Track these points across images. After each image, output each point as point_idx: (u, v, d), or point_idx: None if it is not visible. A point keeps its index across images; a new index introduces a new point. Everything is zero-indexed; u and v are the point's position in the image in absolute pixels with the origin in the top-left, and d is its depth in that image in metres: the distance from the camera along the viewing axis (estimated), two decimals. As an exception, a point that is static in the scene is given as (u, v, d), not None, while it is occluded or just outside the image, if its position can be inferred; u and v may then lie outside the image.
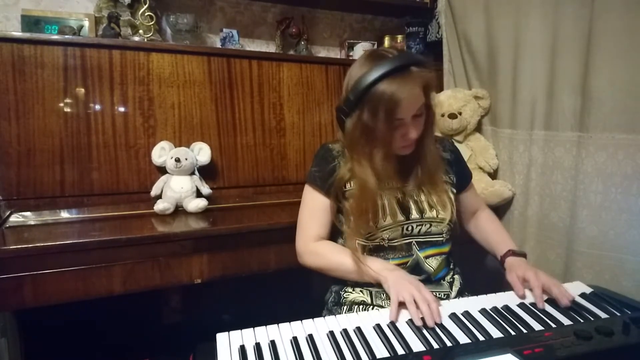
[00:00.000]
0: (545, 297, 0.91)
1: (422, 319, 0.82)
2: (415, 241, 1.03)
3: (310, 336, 0.78)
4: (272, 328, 0.81)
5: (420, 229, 1.03)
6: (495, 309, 0.88)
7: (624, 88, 1.15)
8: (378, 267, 0.96)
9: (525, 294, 0.94)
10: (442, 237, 1.05)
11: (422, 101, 0.95)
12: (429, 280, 1.02)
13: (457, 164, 1.14)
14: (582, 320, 0.83)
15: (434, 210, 1.03)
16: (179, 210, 1.34)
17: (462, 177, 1.14)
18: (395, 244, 1.02)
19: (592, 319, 0.84)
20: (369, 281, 0.99)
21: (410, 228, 1.02)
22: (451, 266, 1.10)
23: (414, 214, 1.02)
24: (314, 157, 1.10)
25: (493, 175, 1.60)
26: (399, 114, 0.92)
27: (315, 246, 1.04)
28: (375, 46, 1.98)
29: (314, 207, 1.06)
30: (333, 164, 1.04)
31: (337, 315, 0.86)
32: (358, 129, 0.95)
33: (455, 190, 1.10)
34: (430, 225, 1.03)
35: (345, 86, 0.99)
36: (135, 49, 1.40)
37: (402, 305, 0.86)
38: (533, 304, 0.90)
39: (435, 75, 0.98)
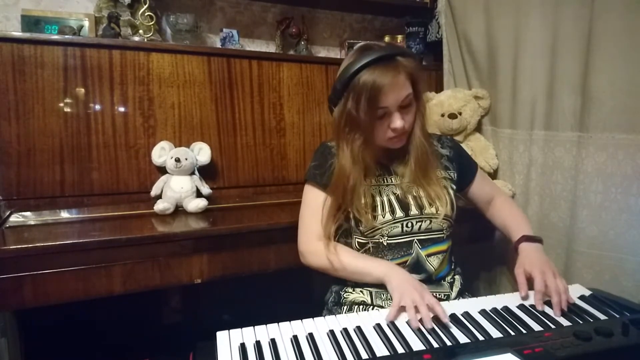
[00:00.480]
0: (546, 298, 0.91)
1: (420, 321, 0.82)
2: (417, 239, 1.03)
3: (311, 335, 0.79)
4: (273, 327, 0.81)
5: (420, 226, 1.03)
6: (495, 310, 0.88)
7: (624, 88, 1.15)
8: (383, 268, 0.96)
9: (528, 295, 0.93)
10: (443, 233, 1.05)
11: (408, 91, 0.96)
12: (430, 280, 1.02)
13: (458, 159, 1.14)
14: (581, 322, 0.83)
15: (434, 207, 1.03)
16: (179, 210, 1.34)
17: (465, 171, 1.15)
18: (396, 241, 1.02)
19: (592, 320, 0.84)
20: (373, 282, 0.98)
21: (410, 225, 1.02)
22: (452, 266, 1.10)
23: (413, 210, 1.02)
24: (313, 155, 1.11)
25: (493, 175, 1.60)
26: (382, 102, 0.93)
27: (318, 246, 1.04)
28: (375, 46, 1.98)
29: (315, 205, 1.06)
30: (331, 161, 1.04)
31: (337, 315, 0.86)
32: (343, 117, 0.97)
33: (455, 187, 1.10)
34: (430, 222, 1.03)
35: (337, 77, 1.01)
36: (135, 49, 1.40)
37: (402, 308, 0.86)
38: (533, 306, 0.90)
39: (422, 67, 1.00)
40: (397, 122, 0.95)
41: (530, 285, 0.94)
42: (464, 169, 1.14)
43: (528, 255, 1.00)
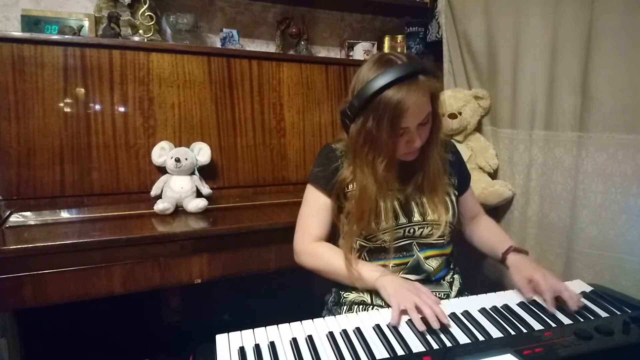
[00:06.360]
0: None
1: (425, 321, 0.81)
2: (417, 242, 1.03)
3: (310, 337, 0.78)
4: (272, 329, 0.81)
5: (422, 232, 1.02)
6: (495, 308, 0.88)
7: (624, 88, 1.15)
8: (374, 275, 0.96)
9: (533, 297, 0.91)
10: (444, 239, 1.05)
11: (429, 110, 0.93)
12: (429, 279, 1.02)
13: (458, 165, 1.14)
14: (582, 320, 0.83)
15: (436, 213, 1.02)
16: (179, 210, 1.34)
17: (463, 179, 1.14)
18: (397, 245, 1.02)
19: (592, 317, 0.84)
20: (364, 288, 0.98)
21: (412, 230, 1.02)
22: (451, 266, 1.10)
23: (416, 217, 1.02)
24: (316, 157, 1.10)
25: (493, 175, 1.60)
26: (404, 123, 0.90)
27: (314, 247, 1.04)
28: (375, 46, 1.98)
29: (316, 207, 1.06)
30: (336, 164, 1.03)
31: (336, 316, 0.86)
32: (362, 135, 0.93)
33: (457, 193, 1.10)
34: (432, 228, 1.03)
35: (352, 89, 0.96)
36: (135, 49, 1.40)
37: (403, 312, 0.85)
38: (532, 303, 0.90)
39: (439, 82, 0.97)
40: (417, 142, 0.94)
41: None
42: (462, 178, 1.14)
43: (522, 263, 0.99)
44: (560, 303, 0.88)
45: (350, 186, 1.01)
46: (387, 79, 0.87)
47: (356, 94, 0.92)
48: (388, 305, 0.92)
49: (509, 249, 1.03)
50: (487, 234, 1.15)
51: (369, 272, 0.97)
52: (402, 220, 1.01)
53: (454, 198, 1.07)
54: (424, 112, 0.92)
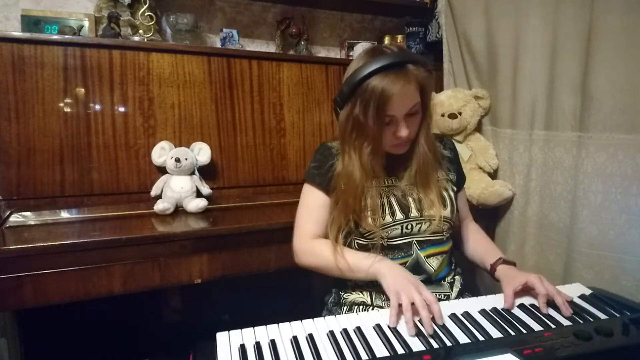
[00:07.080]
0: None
1: (420, 322, 0.81)
2: (416, 240, 1.03)
3: (311, 335, 0.78)
4: (272, 327, 0.81)
5: (419, 227, 1.02)
6: (495, 309, 0.88)
7: (624, 88, 1.15)
8: (366, 262, 0.95)
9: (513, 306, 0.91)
10: (442, 235, 1.04)
11: (416, 100, 0.94)
12: (430, 280, 1.02)
13: (456, 163, 1.14)
14: (581, 322, 0.83)
15: (434, 208, 1.02)
16: (179, 210, 1.34)
17: (459, 177, 1.15)
18: (395, 243, 1.01)
19: (592, 320, 0.84)
20: (366, 278, 0.97)
21: (409, 226, 1.02)
22: (452, 266, 1.09)
23: (414, 212, 1.02)
24: (313, 155, 1.10)
25: (493, 175, 1.60)
26: (390, 111, 0.91)
27: (311, 244, 1.03)
28: (375, 46, 1.98)
29: (312, 205, 1.05)
30: (332, 161, 1.04)
31: (337, 316, 0.86)
32: (350, 121, 0.95)
33: (455, 189, 1.10)
34: (430, 224, 1.02)
35: (344, 78, 0.99)
36: (135, 49, 1.41)
37: (401, 307, 0.85)
38: (532, 305, 0.90)
39: (433, 76, 0.97)
40: (403, 131, 0.94)
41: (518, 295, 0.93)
42: (459, 175, 1.14)
43: (513, 272, 0.99)
44: (553, 307, 0.88)
45: None
46: (374, 66, 0.90)
47: (345, 81, 0.95)
48: (388, 306, 0.92)
49: (497, 260, 1.04)
50: (476, 246, 1.15)
51: (360, 259, 0.96)
52: (399, 216, 1.01)
53: (452, 193, 1.07)
54: (410, 101, 0.93)
